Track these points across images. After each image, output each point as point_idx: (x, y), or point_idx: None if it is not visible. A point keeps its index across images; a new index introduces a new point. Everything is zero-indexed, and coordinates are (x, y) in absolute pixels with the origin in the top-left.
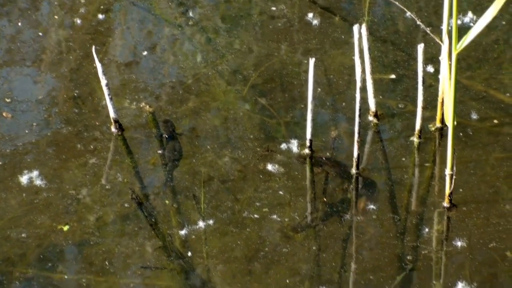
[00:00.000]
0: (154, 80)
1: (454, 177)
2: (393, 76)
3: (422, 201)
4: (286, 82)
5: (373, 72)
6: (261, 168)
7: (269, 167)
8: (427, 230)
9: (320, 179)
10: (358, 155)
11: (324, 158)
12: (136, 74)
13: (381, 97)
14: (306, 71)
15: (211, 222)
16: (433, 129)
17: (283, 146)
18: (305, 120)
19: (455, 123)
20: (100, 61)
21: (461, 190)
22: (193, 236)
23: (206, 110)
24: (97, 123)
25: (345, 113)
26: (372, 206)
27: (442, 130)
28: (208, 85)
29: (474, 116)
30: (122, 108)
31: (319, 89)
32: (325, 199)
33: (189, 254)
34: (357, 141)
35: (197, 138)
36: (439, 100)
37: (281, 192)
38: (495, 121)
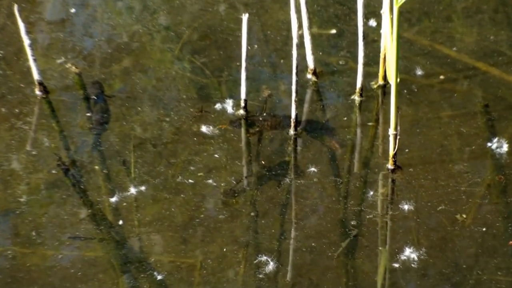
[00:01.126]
0: (83, 39)
1: (398, 137)
2: (333, 31)
3: (366, 163)
4: (222, 39)
5: (311, 27)
6: (195, 130)
7: (204, 129)
8: (371, 193)
9: (257, 141)
10: (296, 115)
11: (260, 119)
12: (64, 33)
13: (320, 53)
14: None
15: (143, 188)
16: (375, 86)
17: (218, 106)
18: (240, 79)
19: (398, 80)
20: (25, 19)
21: (406, 150)
22: (124, 204)
23: (138, 70)
24: (22, 86)
25: (283, 71)
26: (312, 169)
27: (385, 88)
28: (140, 43)
29: (419, 72)
30: (48, 69)
31: (256, 46)
32: (263, 162)
33: (120, 222)
34: (295, 101)
35: (128, 100)
36: (381, 56)
37: (216, 155)
38: (442, 77)
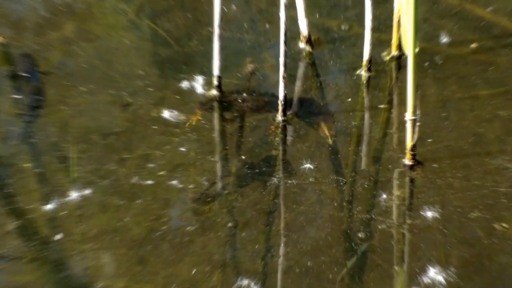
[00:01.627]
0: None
1: (418, 123)
2: None
3: (376, 157)
4: None
5: None
6: (155, 116)
7: (166, 114)
8: (384, 197)
9: (236, 130)
10: (285, 96)
11: (239, 101)
12: None
13: (317, 15)
14: None
15: (88, 192)
16: (387, 58)
17: (185, 85)
18: (212, 50)
19: (417, 49)
20: None
21: (429, 140)
22: (64, 212)
23: (82, 39)
24: None
25: (269, 39)
26: (308, 166)
27: (400, 60)
28: (85, 5)
29: (444, 39)
30: None
31: (234, 7)
32: (243, 157)
33: (58, 237)
34: (283, 77)
35: (69, 78)
36: (395, 19)
37: (183, 149)
38: (474, 45)
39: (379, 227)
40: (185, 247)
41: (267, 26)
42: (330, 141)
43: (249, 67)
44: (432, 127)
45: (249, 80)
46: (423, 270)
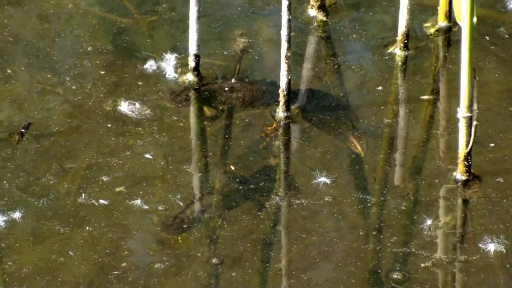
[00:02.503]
0: None
1: (475, 122)
2: None
3: (416, 169)
4: None
5: None
6: (109, 110)
7: (124, 107)
8: (427, 223)
9: (221, 131)
10: (289, 83)
11: (226, 89)
12: None
13: None
14: None
15: (16, 215)
16: (432, 31)
17: (149, 66)
18: (187, 18)
19: (475, 19)
20: None
21: (491, 145)
22: None
23: (3, 6)
24: None
25: (266, 2)
26: (322, 180)
27: (450, 33)
28: None
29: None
30: None
31: None
32: (232, 167)
33: None
34: (286, 57)
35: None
36: None
37: (148, 156)
38: None
39: (421, 264)
40: None
41: None
42: (362, 153)
43: (240, 42)
44: (495, 127)
45: (240, 60)
46: None
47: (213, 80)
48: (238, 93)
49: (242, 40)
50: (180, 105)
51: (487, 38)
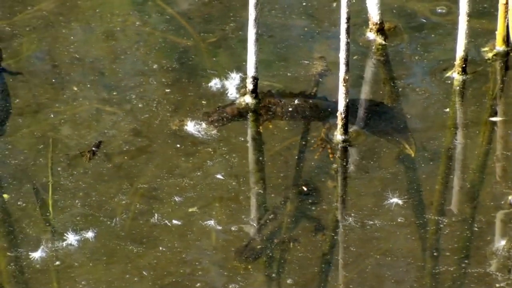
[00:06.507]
0: None
1: None
2: None
3: (473, 191)
4: None
5: None
6: (176, 129)
7: (191, 127)
8: (502, 244)
9: (287, 149)
10: (347, 106)
11: (288, 108)
12: None
13: None
14: None
15: (88, 235)
16: (490, 55)
17: (214, 84)
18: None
19: None
20: None
21: None
22: (56, 263)
23: (67, 20)
24: None
25: (332, 24)
26: (396, 200)
27: (508, 58)
28: None
29: None
30: None
31: None
32: (304, 188)
33: None
34: (344, 80)
35: (49, 75)
36: (501, 2)
37: (219, 176)
38: None
39: (497, 285)
40: None
41: (325, 10)
42: (413, 153)
43: (318, 65)
44: None
45: (317, 83)
46: None
47: (272, 101)
48: (299, 112)
49: (321, 63)
50: (213, 125)
51: None
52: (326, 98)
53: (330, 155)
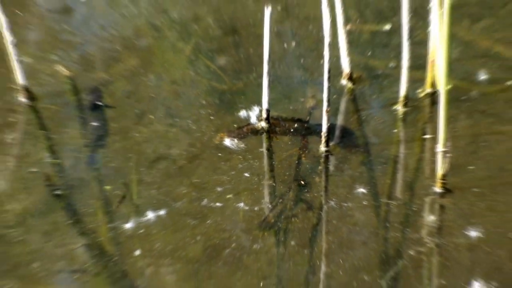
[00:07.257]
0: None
1: (448, 155)
2: (387, 27)
3: (411, 183)
4: (246, 35)
5: (349, 23)
6: (217, 143)
7: (227, 142)
8: (423, 220)
9: (291, 156)
10: (329, 128)
11: (291, 129)
12: (62, 25)
13: (369, 53)
14: (271, 23)
15: (162, 212)
16: (422, 95)
17: (242, 114)
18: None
19: (450, 86)
20: (12, 12)
21: (471, 167)
22: (141, 231)
23: (145, 72)
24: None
25: (318, 75)
26: (362, 190)
27: (434, 96)
28: (146, 43)
29: (479, 77)
30: (36, 71)
31: (285, 46)
32: (302, 182)
33: (137, 253)
34: (326, 111)
35: (134, 108)
36: (429, 58)
37: (246, 174)
38: (509, 82)
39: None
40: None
41: (316, 64)
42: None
43: (311, 101)
44: (465, 160)
45: (310, 114)
46: (468, 284)
47: (280, 123)
48: (297, 132)
49: (313, 100)
50: (234, 140)
51: (462, 99)
52: (315, 123)
53: (303, 157)
